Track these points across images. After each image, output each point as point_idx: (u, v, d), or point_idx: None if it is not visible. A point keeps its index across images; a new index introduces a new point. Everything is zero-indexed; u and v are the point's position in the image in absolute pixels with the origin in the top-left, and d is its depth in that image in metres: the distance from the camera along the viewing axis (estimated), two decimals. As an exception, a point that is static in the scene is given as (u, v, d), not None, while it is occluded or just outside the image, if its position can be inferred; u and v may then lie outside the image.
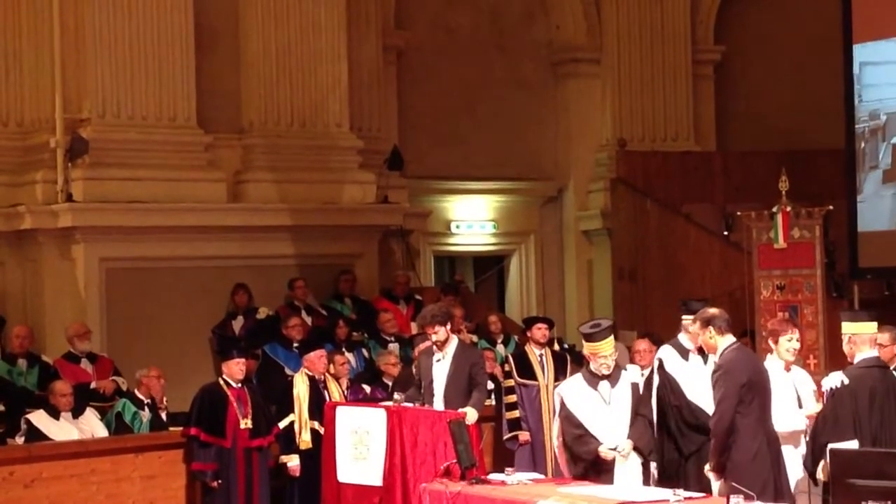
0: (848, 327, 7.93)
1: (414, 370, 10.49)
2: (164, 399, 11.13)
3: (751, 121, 16.91)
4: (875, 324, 7.91)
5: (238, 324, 13.08)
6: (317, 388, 10.58)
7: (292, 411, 10.51)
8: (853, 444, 7.65)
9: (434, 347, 9.97)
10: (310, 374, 10.62)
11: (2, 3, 13.14)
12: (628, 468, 8.42)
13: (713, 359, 8.38)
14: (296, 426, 10.41)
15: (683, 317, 9.02)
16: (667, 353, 9.06)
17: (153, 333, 12.78)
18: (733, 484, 7.57)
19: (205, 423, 10.27)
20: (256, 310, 13.17)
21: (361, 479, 9.51)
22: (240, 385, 10.45)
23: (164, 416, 11.04)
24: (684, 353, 8.97)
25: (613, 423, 8.47)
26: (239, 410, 10.31)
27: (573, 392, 8.55)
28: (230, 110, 13.95)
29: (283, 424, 10.47)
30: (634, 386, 8.63)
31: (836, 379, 7.81)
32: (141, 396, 11.00)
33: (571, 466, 8.54)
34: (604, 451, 8.36)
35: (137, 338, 12.61)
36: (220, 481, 10.20)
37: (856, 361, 7.90)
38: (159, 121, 13.28)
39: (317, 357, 10.66)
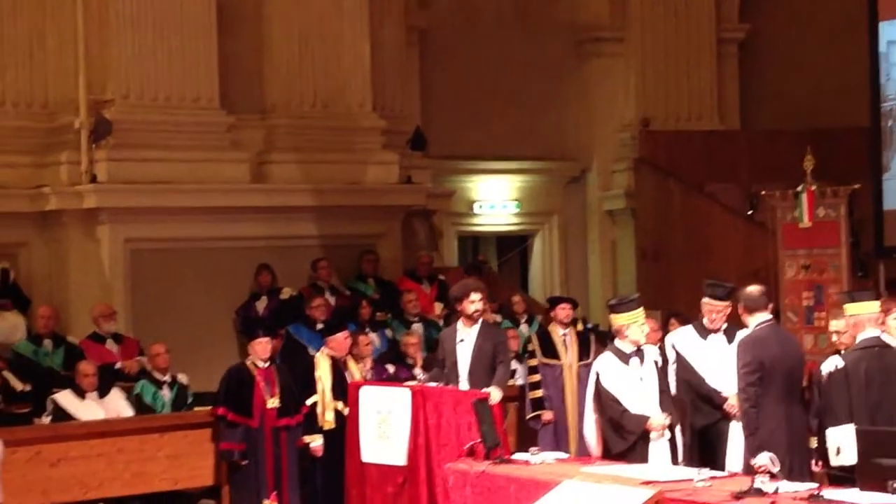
0: (849, 308, 7.87)
1: (438, 350, 10.49)
2: (168, 374, 11.11)
3: (776, 99, 16.82)
4: (877, 302, 7.83)
5: (262, 304, 13.10)
6: (338, 369, 10.61)
7: (315, 392, 10.52)
8: (849, 428, 7.62)
9: (457, 326, 9.94)
10: (332, 354, 10.65)
11: (25, -17, 13.17)
12: (661, 445, 8.40)
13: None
14: (318, 407, 10.43)
15: (704, 299, 8.94)
16: (682, 333, 9.05)
17: (177, 314, 12.81)
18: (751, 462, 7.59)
19: (232, 402, 10.32)
20: (280, 290, 13.19)
21: (385, 459, 9.51)
22: (266, 365, 10.48)
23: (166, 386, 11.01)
24: (704, 333, 8.93)
25: (647, 399, 8.46)
26: (266, 390, 10.37)
27: (609, 369, 8.53)
28: (253, 91, 13.94)
29: (308, 403, 10.50)
30: (656, 363, 8.61)
31: (832, 363, 7.79)
32: (158, 375, 11.03)
33: (614, 442, 8.48)
34: (657, 422, 8.31)
35: (162, 318, 12.63)
36: (247, 461, 10.24)
37: (856, 342, 7.87)
38: (183, 102, 13.27)
39: (342, 338, 10.67)
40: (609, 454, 8.43)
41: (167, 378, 11.07)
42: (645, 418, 8.35)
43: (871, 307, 7.79)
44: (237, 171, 13.53)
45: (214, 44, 13.39)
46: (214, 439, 10.46)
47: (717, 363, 8.80)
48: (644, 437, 8.37)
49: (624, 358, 8.51)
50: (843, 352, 8.04)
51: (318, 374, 10.53)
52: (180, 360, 11.46)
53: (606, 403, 8.48)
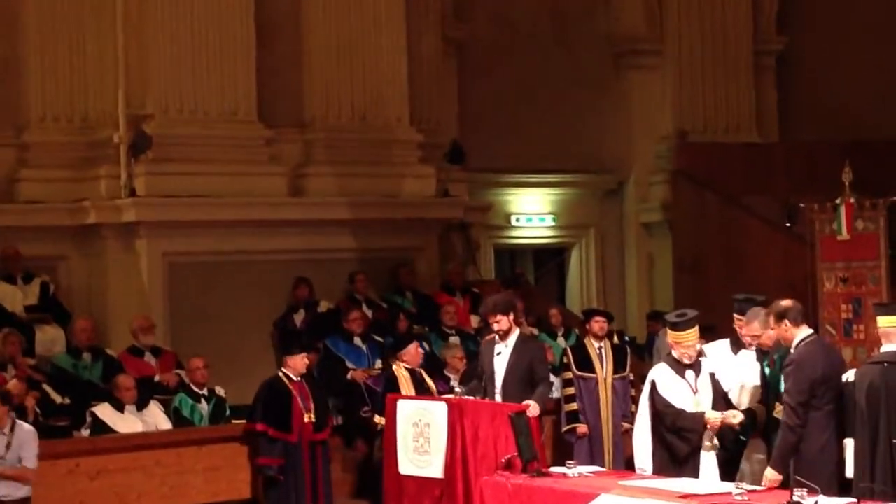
0: (881, 320, 7.81)
1: (477, 363, 10.51)
2: (206, 387, 11.17)
3: (814, 111, 16.74)
4: None
5: (299, 317, 13.14)
6: (419, 381, 10.74)
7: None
8: (850, 443, 7.57)
9: (496, 338, 9.96)
10: (408, 367, 10.74)
11: (65, -1, 13.28)
12: (709, 458, 8.38)
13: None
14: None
15: (736, 315, 8.88)
16: (661, 368, 8.91)
17: (215, 327, 12.85)
18: (797, 478, 7.53)
19: (271, 418, 10.35)
20: (317, 303, 13.24)
21: (423, 471, 9.51)
22: (300, 379, 10.51)
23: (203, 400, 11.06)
24: (736, 348, 8.85)
25: (702, 409, 8.44)
26: (302, 404, 10.40)
27: (664, 379, 8.52)
28: (291, 105, 14.00)
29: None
30: (712, 375, 8.59)
31: (848, 376, 7.75)
32: (196, 389, 11.08)
33: (677, 447, 8.43)
34: (713, 416, 8.27)
35: (200, 331, 12.68)
36: (284, 476, 10.27)
37: (874, 355, 7.83)
38: (221, 115, 13.35)
39: (413, 350, 10.85)
40: (664, 468, 8.38)
41: (205, 391, 11.12)
42: (701, 414, 8.35)
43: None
44: (275, 184, 13.58)
45: (252, 57, 13.47)
46: (251, 453, 10.50)
47: (747, 377, 8.75)
48: (696, 450, 8.32)
49: (679, 370, 8.50)
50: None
51: (401, 387, 10.59)
52: (218, 373, 11.53)
53: (662, 411, 8.46)
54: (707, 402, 8.48)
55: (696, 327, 8.50)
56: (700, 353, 8.60)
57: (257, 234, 13.31)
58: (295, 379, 10.49)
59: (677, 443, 8.40)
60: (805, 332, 8.10)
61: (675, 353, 8.55)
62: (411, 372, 10.75)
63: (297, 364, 10.50)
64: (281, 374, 10.57)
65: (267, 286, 13.27)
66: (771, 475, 7.73)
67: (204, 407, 11.04)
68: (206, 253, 13.11)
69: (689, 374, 8.52)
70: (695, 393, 8.46)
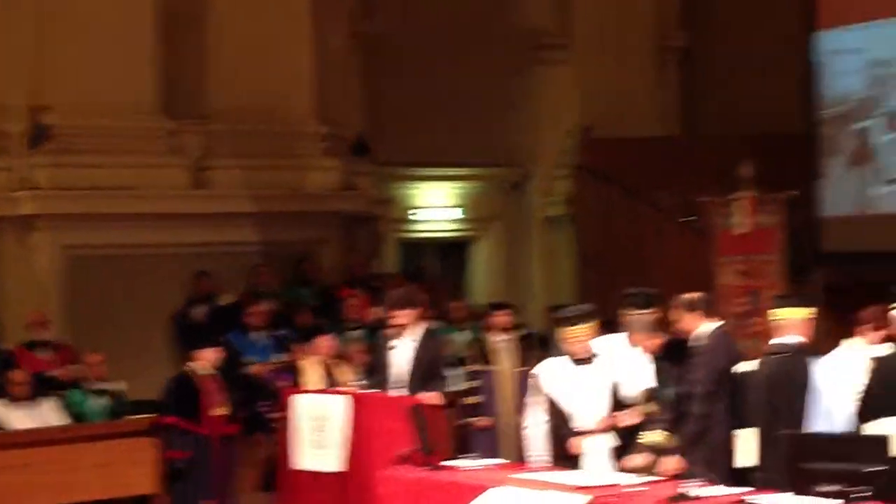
0: (777, 312, 7.91)
1: (377, 357, 10.48)
2: (105, 382, 11.07)
3: (717, 107, 16.90)
4: (804, 309, 7.85)
5: (200, 311, 13.03)
6: (324, 374, 10.64)
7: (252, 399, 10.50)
8: (749, 433, 7.68)
9: (398, 333, 9.94)
10: (317, 359, 10.67)
11: (-38, -10, 13.06)
12: (598, 453, 8.38)
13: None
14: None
15: (625, 310, 8.83)
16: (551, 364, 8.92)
17: (115, 321, 12.73)
18: (692, 467, 7.64)
19: (182, 411, 10.28)
20: (218, 297, 13.14)
21: (320, 466, 9.47)
22: (210, 373, 10.45)
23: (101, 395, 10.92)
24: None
25: (593, 405, 8.46)
26: (212, 398, 10.34)
27: (552, 375, 8.52)
28: (195, 97, 13.90)
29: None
30: (605, 369, 8.58)
31: (742, 367, 7.85)
32: (94, 384, 10.95)
33: (554, 449, 8.49)
34: (575, 444, 8.31)
35: (100, 325, 12.55)
36: (192, 468, 10.22)
37: (770, 345, 7.93)
38: (123, 107, 13.22)
39: (323, 341, 10.78)
40: (557, 462, 8.41)
41: (103, 387, 10.99)
42: (570, 433, 8.32)
43: (796, 313, 7.82)
44: (177, 176, 13.48)
45: (155, 48, 13.33)
46: (158, 448, 10.38)
47: (641, 370, 8.78)
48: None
49: (571, 365, 8.49)
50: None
51: (303, 380, 10.50)
52: (118, 368, 11.40)
53: (548, 409, 8.47)
54: (599, 397, 8.49)
55: (588, 322, 8.44)
56: (592, 349, 8.57)
57: (159, 227, 13.20)
58: (205, 372, 10.42)
59: (553, 442, 8.44)
60: (714, 322, 8.19)
61: (566, 349, 8.54)
62: (321, 364, 10.67)
63: (209, 357, 10.46)
64: (190, 367, 10.48)
65: (168, 280, 13.17)
66: (676, 464, 7.78)
67: (102, 402, 10.90)
68: (106, 246, 12.99)
69: (582, 369, 8.53)
70: (586, 388, 8.46)
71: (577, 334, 8.41)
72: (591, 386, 8.45)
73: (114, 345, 11.71)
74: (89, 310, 12.73)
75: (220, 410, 10.34)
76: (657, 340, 8.25)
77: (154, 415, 10.50)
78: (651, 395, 8.37)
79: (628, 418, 8.38)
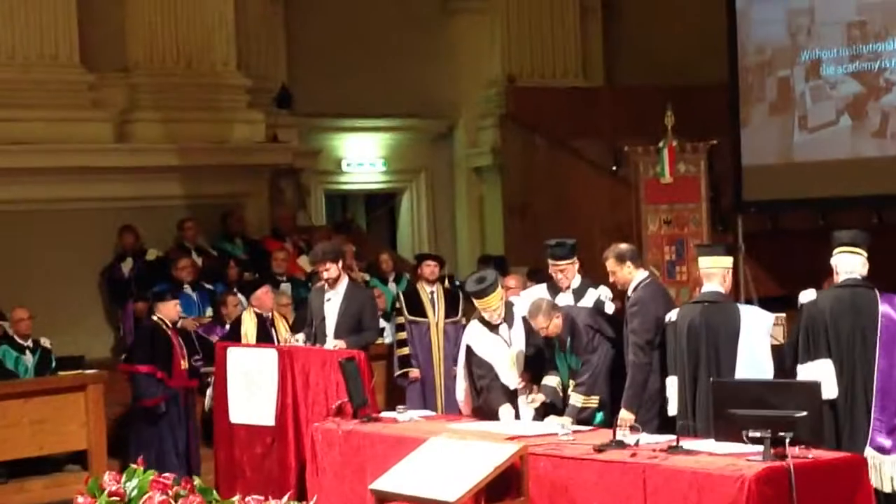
0: (701, 261, 8.01)
1: (306, 310, 10.48)
2: (31, 339, 10.96)
3: (639, 56, 16.98)
4: (727, 258, 7.98)
5: (127, 266, 12.94)
6: (265, 327, 10.63)
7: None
8: (672, 381, 7.82)
9: (326, 286, 9.95)
10: (258, 311, 10.63)
11: None
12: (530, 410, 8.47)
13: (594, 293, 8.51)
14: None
15: (550, 261, 8.78)
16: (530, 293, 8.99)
17: (40, 277, 12.60)
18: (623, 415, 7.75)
19: (157, 360, 10.36)
20: (145, 252, 13.05)
21: (254, 419, 9.49)
22: (172, 326, 10.55)
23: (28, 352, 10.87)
24: (554, 293, 8.85)
25: (517, 362, 8.53)
26: (180, 351, 10.43)
27: (478, 338, 8.56)
28: (114, 49, 13.74)
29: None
30: (525, 321, 8.65)
31: (670, 316, 7.96)
32: (20, 341, 10.85)
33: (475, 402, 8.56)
34: (504, 413, 8.37)
35: (24, 282, 12.40)
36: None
37: (696, 295, 8.04)
38: (41, 60, 13.04)
39: (263, 293, 10.73)
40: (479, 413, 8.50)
41: (30, 343, 10.89)
42: (500, 404, 8.35)
43: (721, 262, 7.94)
44: (99, 130, 13.33)
45: (74, 1, 13.12)
46: (83, 403, 10.38)
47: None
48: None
49: (491, 327, 8.53)
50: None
51: (243, 331, 10.51)
52: (43, 324, 11.28)
53: (476, 371, 8.50)
54: (521, 353, 8.55)
55: (493, 291, 8.41)
56: (509, 307, 8.62)
57: (81, 182, 13.06)
58: (169, 325, 10.46)
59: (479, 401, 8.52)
60: (643, 273, 8.29)
61: (483, 315, 8.58)
62: (259, 317, 10.65)
63: (171, 311, 10.53)
64: (157, 319, 10.51)
65: (93, 235, 13.04)
66: (624, 415, 7.89)
67: (29, 359, 10.81)
68: (27, 201, 12.83)
69: (502, 328, 8.54)
70: (509, 346, 8.53)
71: (487, 304, 8.44)
72: (514, 342, 8.52)
73: (38, 301, 11.56)
74: (12, 266, 12.56)
75: (184, 363, 10.44)
76: (556, 322, 8.30)
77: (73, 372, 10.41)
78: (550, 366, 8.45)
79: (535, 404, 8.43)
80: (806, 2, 13.71)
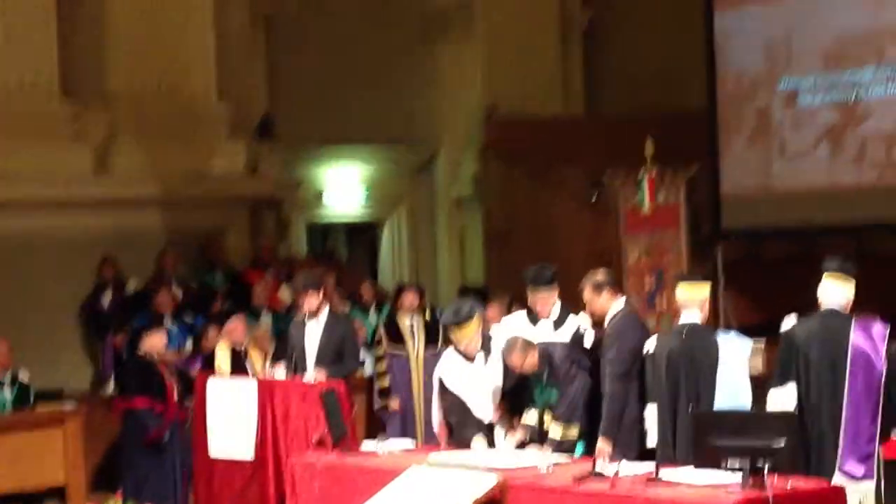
0: (679, 291, 8.02)
1: (287, 341, 10.44)
2: (9, 372, 10.89)
3: (620, 85, 17.04)
4: (705, 286, 7.98)
5: (107, 298, 12.89)
6: (239, 360, 10.50)
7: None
8: (651, 409, 7.82)
9: (306, 316, 9.93)
10: (231, 344, 10.53)
11: None
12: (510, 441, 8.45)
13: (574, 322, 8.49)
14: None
15: (530, 289, 8.71)
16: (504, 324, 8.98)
17: (18, 309, 12.53)
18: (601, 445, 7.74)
19: (153, 394, 10.22)
20: (125, 283, 13.00)
21: (233, 453, 9.45)
22: (160, 359, 10.46)
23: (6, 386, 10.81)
24: (535, 320, 8.81)
25: (493, 394, 8.51)
26: (170, 383, 10.34)
27: (449, 371, 8.54)
28: (95, 78, 13.71)
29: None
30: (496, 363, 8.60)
31: (648, 345, 7.97)
32: (-3, 375, 10.80)
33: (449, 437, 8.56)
34: (476, 445, 8.35)
35: (2, 314, 12.33)
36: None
37: (675, 325, 8.06)
38: (20, 88, 13.00)
39: (234, 326, 10.59)
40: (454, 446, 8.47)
41: (7, 377, 10.81)
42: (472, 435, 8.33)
43: (699, 291, 7.95)
44: (79, 160, 13.29)
45: (53, 28, 13.14)
46: (62, 439, 10.28)
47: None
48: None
49: (468, 357, 8.51)
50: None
51: (217, 363, 10.40)
52: (22, 358, 11.20)
53: (447, 406, 8.48)
54: (498, 385, 8.53)
55: (470, 321, 8.36)
56: (486, 339, 8.59)
57: (61, 213, 13.01)
58: (157, 357, 10.38)
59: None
60: (620, 302, 8.29)
61: (460, 347, 8.56)
62: (233, 349, 10.54)
63: (157, 343, 10.39)
64: (147, 352, 10.38)
65: (72, 267, 12.99)
66: (602, 445, 7.88)
67: (6, 393, 10.73)
68: (7, 233, 12.76)
69: (478, 359, 8.50)
70: (485, 378, 8.50)
71: (464, 335, 8.42)
72: (490, 373, 8.50)
73: (17, 334, 11.49)
74: (-8, 298, 12.53)
75: (176, 395, 10.32)
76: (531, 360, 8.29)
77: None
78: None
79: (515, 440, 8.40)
80: (783, 31, 13.78)
